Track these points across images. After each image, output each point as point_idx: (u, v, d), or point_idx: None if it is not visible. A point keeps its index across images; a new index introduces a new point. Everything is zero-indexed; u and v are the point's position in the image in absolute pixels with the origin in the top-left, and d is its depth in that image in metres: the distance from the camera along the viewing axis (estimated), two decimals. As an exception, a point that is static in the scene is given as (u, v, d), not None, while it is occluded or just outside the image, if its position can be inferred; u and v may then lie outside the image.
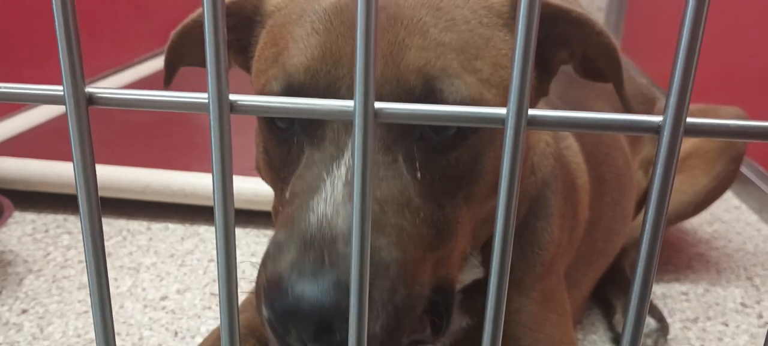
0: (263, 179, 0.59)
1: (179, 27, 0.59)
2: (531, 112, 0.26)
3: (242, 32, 0.60)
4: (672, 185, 0.27)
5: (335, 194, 0.44)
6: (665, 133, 0.26)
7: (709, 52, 1.69)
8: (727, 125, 0.26)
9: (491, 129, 0.50)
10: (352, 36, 0.48)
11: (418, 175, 0.48)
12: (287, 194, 0.49)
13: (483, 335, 0.30)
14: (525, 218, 0.67)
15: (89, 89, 0.28)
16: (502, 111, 0.27)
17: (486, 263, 0.64)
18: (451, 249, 0.51)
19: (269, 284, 0.43)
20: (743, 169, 1.44)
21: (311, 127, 0.49)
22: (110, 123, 1.58)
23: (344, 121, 0.47)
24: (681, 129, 0.25)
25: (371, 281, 0.42)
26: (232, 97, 0.27)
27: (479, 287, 0.66)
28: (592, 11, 0.54)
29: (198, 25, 0.59)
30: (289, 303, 0.40)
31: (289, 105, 0.28)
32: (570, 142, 0.79)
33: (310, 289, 0.40)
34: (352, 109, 0.27)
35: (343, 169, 0.46)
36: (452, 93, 0.47)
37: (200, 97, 0.28)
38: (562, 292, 0.72)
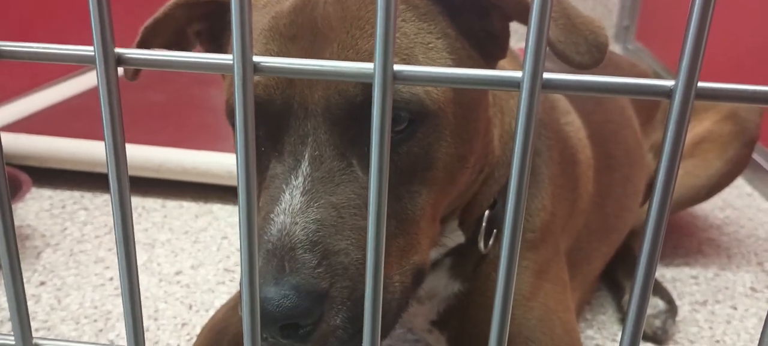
0: None
1: (151, 21, 0.61)
2: (546, 75, 0.27)
3: (214, 21, 0.63)
4: (682, 148, 0.27)
5: (293, 204, 0.49)
6: (677, 97, 0.26)
7: (723, 35, 1.68)
8: (738, 89, 0.26)
9: (438, 120, 0.53)
10: (304, 55, 0.52)
11: None
12: (260, 203, 0.53)
13: (493, 311, 0.31)
14: None
15: (118, 50, 0.29)
16: (517, 74, 0.27)
17: (464, 226, 0.66)
18: (416, 234, 0.54)
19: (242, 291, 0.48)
20: (756, 156, 1.44)
21: (273, 137, 0.52)
22: (125, 104, 1.59)
23: (300, 135, 0.51)
24: (692, 92, 0.26)
25: (331, 282, 0.47)
26: (256, 58, 0.28)
27: (468, 253, 0.67)
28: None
29: (167, 18, 0.62)
30: None
31: (312, 67, 0.29)
32: (572, 119, 0.80)
33: (271, 294, 0.45)
34: (371, 71, 0.28)
35: (300, 179, 0.49)
36: (394, 93, 0.49)
37: (225, 58, 0.29)
38: (559, 263, 0.73)
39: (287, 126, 0.51)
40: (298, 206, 0.48)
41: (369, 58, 0.51)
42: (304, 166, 0.50)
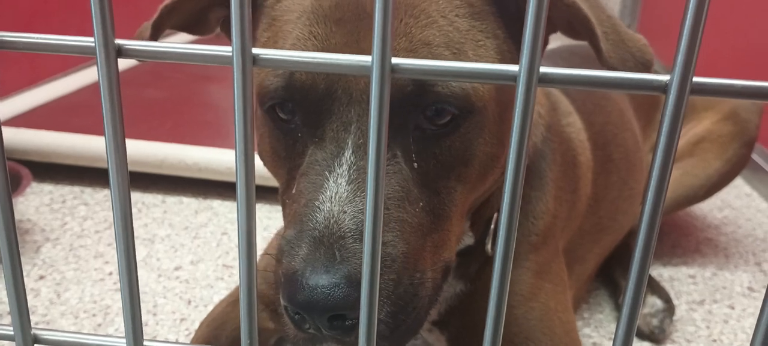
0: (267, 167, 0.61)
1: (170, 1, 0.60)
2: (542, 69, 0.27)
3: None
4: (677, 144, 0.27)
5: (340, 193, 0.48)
6: (672, 92, 0.26)
7: (720, 31, 1.68)
8: (733, 85, 0.26)
9: (481, 117, 0.53)
10: (348, 43, 0.50)
11: (415, 165, 0.51)
12: (294, 190, 0.52)
13: (488, 305, 0.32)
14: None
15: (118, 41, 0.29)
16: (514, 68, 0.28)
17: (475, 228, 0.66)
18: (448, 231, 0.54)
19: (285, 279, 0.46)
20: (755, 156, 1.44)
21: (312, 123, 0.51)
22: (125, 99, 1.59)
23: (344, 122, 0.49)
24: (687, 87, 0.26)
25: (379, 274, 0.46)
26: (256, 50, 0.29)
27: (472, 253, 0.68)
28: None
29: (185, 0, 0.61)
30: (305, 296, 0.44)
31: (311, 60, 0.29)
32: (573, 120, 0.80)
33: (323, 282, 0.44)
34: (369, 63, 0.28)
35: (344, 168, 0.48)
36: (444, 87, 0.49)
37: (224, 50, 0.29)
38: (559, 264, 0.73)
39: (329, 112, 0.50)
40: (345, 194, 0.47)
41: (423, 49, 0.50)
42: (348, 155, 0.49)
